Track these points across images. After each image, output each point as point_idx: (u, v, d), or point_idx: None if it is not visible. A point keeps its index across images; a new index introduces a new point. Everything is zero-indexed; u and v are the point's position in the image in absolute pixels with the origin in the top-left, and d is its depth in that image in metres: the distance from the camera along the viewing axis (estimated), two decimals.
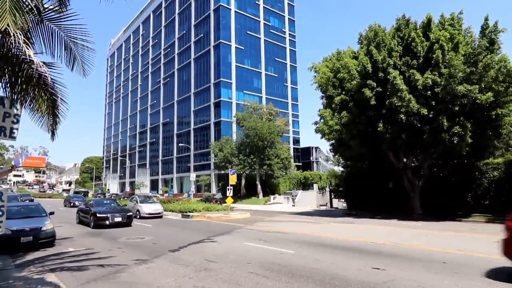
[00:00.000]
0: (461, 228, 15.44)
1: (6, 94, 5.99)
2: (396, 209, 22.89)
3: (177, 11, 76.40)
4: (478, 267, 7.58)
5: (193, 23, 69.88)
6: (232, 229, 15.82)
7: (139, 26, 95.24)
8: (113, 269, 7.77)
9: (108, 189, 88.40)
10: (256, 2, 68.34)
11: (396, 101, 18.37)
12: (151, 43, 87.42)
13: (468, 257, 8.75)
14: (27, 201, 28.12)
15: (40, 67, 5.16)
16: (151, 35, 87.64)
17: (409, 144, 20.14)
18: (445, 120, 17.90)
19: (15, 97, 5.81)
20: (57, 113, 6.18)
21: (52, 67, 5.84)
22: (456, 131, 17.88)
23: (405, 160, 22.56)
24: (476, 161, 21.16)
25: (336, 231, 15.02)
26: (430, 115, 18.31)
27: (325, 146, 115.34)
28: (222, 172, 49.15)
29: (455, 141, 18.05)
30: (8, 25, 4.11)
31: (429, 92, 18.37)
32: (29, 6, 5.17)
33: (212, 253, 9.69)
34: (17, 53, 5.12)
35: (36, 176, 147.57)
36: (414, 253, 9.49)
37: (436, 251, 9.68)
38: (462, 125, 17.98)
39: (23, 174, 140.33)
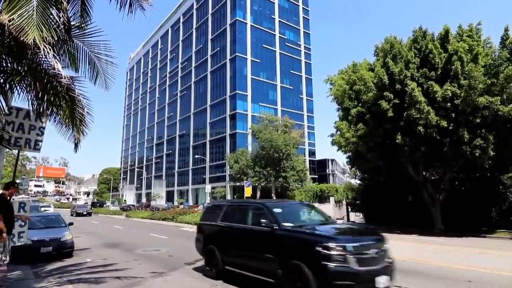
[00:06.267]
0: (486, 245, 14.76)
1: (32, 107, 6.24)
2: (416, 224, 22.14)
3: (194, 26, 78.42)
4: (506, 287, 7.20)
5: (210, 37, 71.46)
6: None
7: (158, 40, 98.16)
8: (130, 281, 7.79)
9: (125, 200, 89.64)
10: (272, 16, 69.41)
11: (414, 113, 18.01)
12: (169, 57, 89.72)
13: (495, 276, 8.33)
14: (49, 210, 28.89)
15: (68, 80, 5.38)
16: (169, 49, 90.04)
17: (428, 157, 19.61)
18: (466, 132, 17.38)
19: (42, 110, 6.05)
20: (83, 125, 6.37)
21: (78, 81, 6.07)
22: (477, 144, 17.31)
23: (424, 173, 21.93)
24: (500, 174, 20.35)
25: None
26: (450, 127, 17.83)
27: (341, 158, 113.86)
28: (238, 184, 49.11)
29: (477, 154, 17.45)
30: (35, 39, 4.31)
31: (448, 104, 17.93)
32: (57, 23, 5.42)
33: None
34: (46, 67, 5.35)
35: (56, 187, 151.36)
36: (437, 270, 9.12)
37: (460, 268, 9.27)
38: (484, 137, 17.41)
39: (43, 185, 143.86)
